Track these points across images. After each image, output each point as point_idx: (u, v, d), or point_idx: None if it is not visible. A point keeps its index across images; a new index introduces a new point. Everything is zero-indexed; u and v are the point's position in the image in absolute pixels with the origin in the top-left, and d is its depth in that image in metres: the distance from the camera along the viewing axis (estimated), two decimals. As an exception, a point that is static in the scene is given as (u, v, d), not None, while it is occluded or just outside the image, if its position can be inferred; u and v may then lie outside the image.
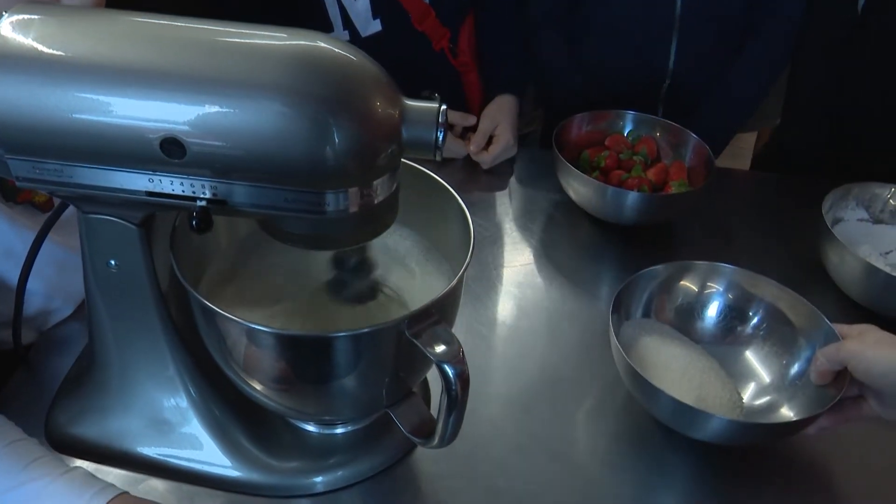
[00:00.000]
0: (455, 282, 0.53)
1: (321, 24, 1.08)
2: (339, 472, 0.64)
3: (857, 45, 1.11)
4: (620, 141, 1.05)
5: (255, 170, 0.46)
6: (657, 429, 0.70)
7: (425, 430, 0.57)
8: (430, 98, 0.49)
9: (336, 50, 0.46)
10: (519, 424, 0.71)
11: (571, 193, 0.98)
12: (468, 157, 1.09)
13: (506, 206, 1.03)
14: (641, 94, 1.19)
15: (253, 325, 0.49)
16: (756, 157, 1.48)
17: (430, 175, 0.62)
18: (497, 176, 1.09)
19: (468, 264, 0.54)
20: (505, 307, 0.85)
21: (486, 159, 1.08)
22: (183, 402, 0.61)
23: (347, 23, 1.08)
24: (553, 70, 1.22)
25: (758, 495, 0.66)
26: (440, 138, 0.48)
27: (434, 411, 0.53)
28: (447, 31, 1.15)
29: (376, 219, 0.52)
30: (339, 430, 0.66)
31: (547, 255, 0.94)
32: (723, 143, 1.22)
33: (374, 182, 0.48)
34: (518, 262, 0.92)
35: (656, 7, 1.11)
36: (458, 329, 0.80)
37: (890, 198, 0.92)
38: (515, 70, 1.18)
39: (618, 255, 0.95)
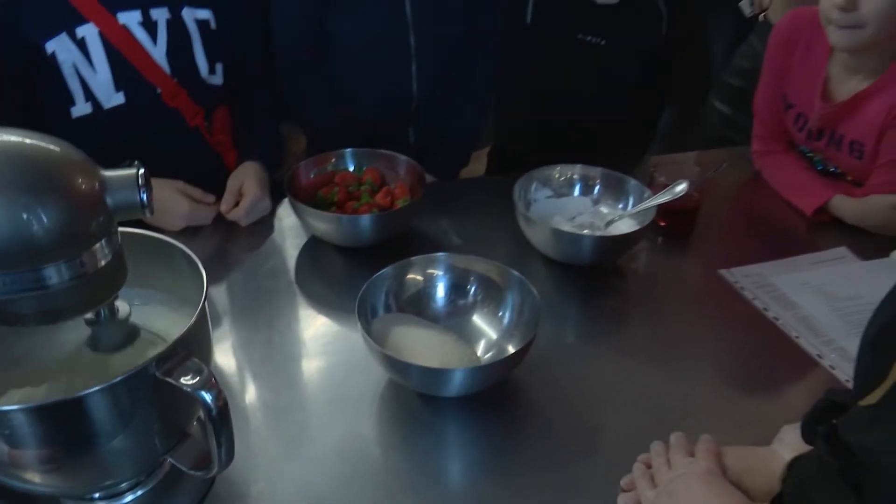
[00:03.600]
0: (193, 320, 0.59)
1: (62, 98, 1.08)
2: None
3: (525, 50, 1.41)
4: (348, 176, 1.18)
5: (-35, 262, 0.49)
6: (422, 406, 0.81)
7: (205, 462, 0.62)
8: (129, 166, 0.56)
9: (25, 140, 0.51)
10: (305, 440, 0.78)
11: (316, 231, 1.09)
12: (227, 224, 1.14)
13: (257, 258, 1.10)
14: (393, 117, 1.37)
15: (-1, 409, 0.51)
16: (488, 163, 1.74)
17: (155, 237, 0.68)
18: (254, 236, 1.15)
19: (203, 303, 0.61)
20: (272, 344, 0.91)
21: (240, 215, 1.13)
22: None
23: (89, 95, 1.09)
24: (314, 108, 1.34)
25: (485, 437, 0.79)
26: (144, 198, 0.55)
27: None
28: (201, 109, 1.21)
29: (105, 281, 0.57)
30: (129, 499, 0.68)
31: (305, 290, 1.02)
32: (471, 146, 1.46)
33: (93, 248, 0.54)
34: (279, 303, 0.99)
35: (394, 38, 1.28)
36: (233, 365, 0.86)
37: (559, 176, 1.15)
38: (263, 149, 1.26)
39: (366, 275, 1.07)
